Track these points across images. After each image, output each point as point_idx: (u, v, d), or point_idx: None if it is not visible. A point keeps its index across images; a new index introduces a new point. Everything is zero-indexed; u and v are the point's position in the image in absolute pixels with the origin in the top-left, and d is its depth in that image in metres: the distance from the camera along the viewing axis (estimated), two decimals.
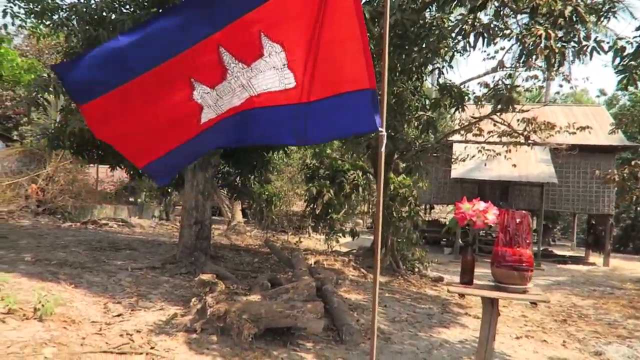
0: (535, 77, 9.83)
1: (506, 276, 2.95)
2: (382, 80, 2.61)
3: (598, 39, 5.75)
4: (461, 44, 7.33)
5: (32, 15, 8.99)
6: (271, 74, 2.53)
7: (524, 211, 3.13)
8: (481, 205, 3.07)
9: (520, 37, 5.36)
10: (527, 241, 3.02)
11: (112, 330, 4.63)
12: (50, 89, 7.51)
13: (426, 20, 6.51)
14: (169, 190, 12.79)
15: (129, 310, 5.34)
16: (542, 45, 4.92)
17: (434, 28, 6.24)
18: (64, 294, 5.47)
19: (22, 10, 9.47)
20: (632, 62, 5.95)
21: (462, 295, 3.11)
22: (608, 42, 5.99)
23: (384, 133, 2.51)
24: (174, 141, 2.65)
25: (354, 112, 2.56)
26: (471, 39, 6.18)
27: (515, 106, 8.39)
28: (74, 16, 7.67)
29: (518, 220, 3.04)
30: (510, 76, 9.42)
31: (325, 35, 2.43)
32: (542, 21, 5.34)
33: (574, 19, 5.11)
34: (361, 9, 2.41)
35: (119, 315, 5.14)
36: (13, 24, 10.00)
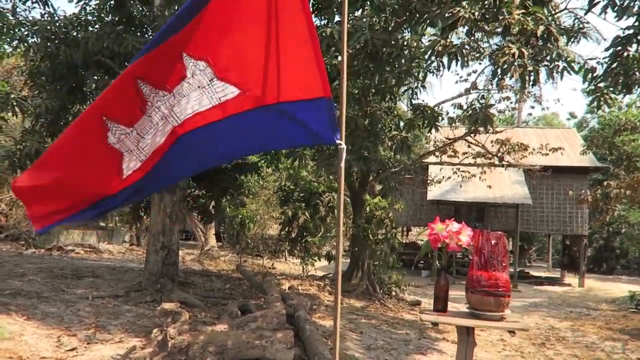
0: (508, 98, 9.90)
1: (481, 302, 2.76)
2: (341, 93, 2.43)
3: (568, 59, 5.76)
4: (434, 64, 7.31)
5: None
6: (196, 95, 2.25)
7: (499, 232, 2.96)
8: (454, 226, 2.89)
9: (493, 56, 5.33)
10: (504, 264, 2.83)
11: None
12: (9, 107, 7.19)
13: (398, 41, 6.47)
14: (141, 214, 12.38)
15: (84, 344, 4.97)
16: (516, 64, 4.87)
17: (404, 48, 6.19)
18: (13, 327, 5.07)
19: None
20: (603, 83, 5.99)
21: (435, 324, 2.90)
22: (578, 63, 6.01)
23: (343, 146, 2.32)
24: (89, 197, 2.22)
25: (308, 122, 2.35)
26: (444, 59, 6.13)
27: (490, 127, 8.40)
28: (35, 32, 7.41)
29: (493, 242, 2.86)
30: (483, 97, 9.47)
31: (272, 38, 2.23)
32: (514, 40, 5.32)
33: (546, 37, 5.10)
34: (309, 9, 2.23)
35: (72, 350, 4.76)
36: None
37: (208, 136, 2.31)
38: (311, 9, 7.14)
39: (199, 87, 2.23)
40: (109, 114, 2.14)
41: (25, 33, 7.79)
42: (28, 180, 2.18)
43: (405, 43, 6.49)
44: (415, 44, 6.80)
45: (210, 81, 2.24)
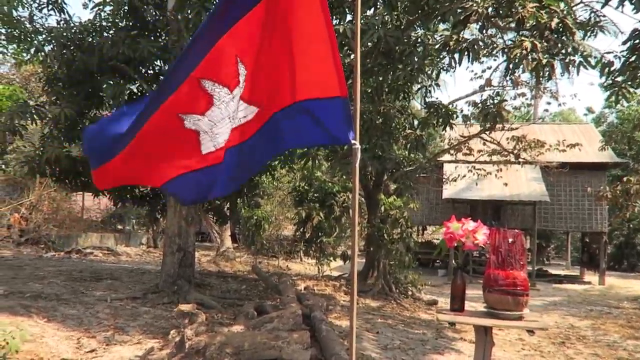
0: (523, 94, 9.77)
1: (499, 302, 2.72)
2: (355, 92, 2.42)
3: (585, 53, 5.66)
4: (446, 60, 7.24)
5: (12, 41, 8.86)
6: (244, 107, 2.45)
7: (516, 230, 2.92)
8: (470, 224, 2.86)
9: (506, 50, 5.25)
10: (521, 262, 2.79)
11: None
12: (27, 115, 7.31)
13: (410, 38, 6.42)
14: (158, 216, 12.50)
15: (104, 345, 5.02)
16: (530, 58, 4.80)
17: (417, 45, 6.14)
18: (35, 329, 5.14)
19: (2, 37, 9.35)
20: (620, 77, 5.87)
21: (452, 324, 2.87)
22: (595, 57, 5.91)
23: (358, 146, 2.31)
24: (182, 167, 2.54)
25: (324, 121, 2.37)
26: (456, 55, 6.07)
27: (504, 124, 8.29)
28: (51, 40, 7.52)
29: (510, 240, 2.82)
30: (498, 94, 9.35)
31: (292, 38, 2.27)
32: (528, 35, 5.24)
33: (561, 30, 5.01)
34: (327, 8, 2.23)
35: (92, 351, 4.82)
36: None
37: (245, 152, 2.54)
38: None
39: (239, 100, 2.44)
40: (181, 110, 2.40)
41: (42, 40, 7.93)
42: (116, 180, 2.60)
43: (418, 40, 6.44)
44: (428, 40, 6.73)
45: (240, 102, 2.43)
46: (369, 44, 6.26)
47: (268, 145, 2.56)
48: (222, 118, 2.43)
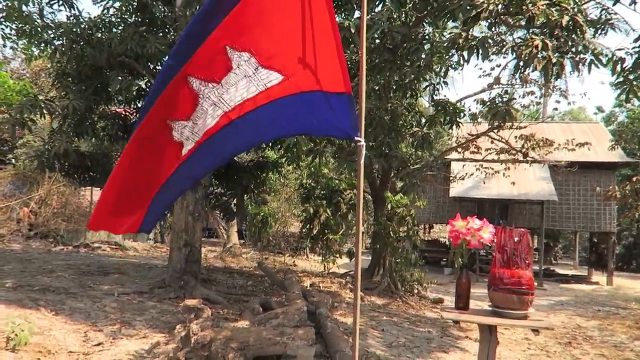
0: (532, 92, 9.69)
1: (504, 300, 2.71)
2: (360, 89, 2.42)
3: (596, 51, 5.60)
4: (455, 58, 7.20)
5: (23, 36, 8.92)
6: (244, 84, 2.38)
7: (522, 229, 2.90)
8: (476, 223, 2.85)
9: (516, 48, 5.21)
10: (527, 261, 2.78)
11: None
12: (37, 109, 7.37)
13: (418, 35, 6.39)
14: (165, 212, 12.58)
15: (110, 339, 5.07)
16: (540, 56, 4.76)
17: (424, 42, 6.11)
18: (43, 322, 5.20)
19: (13, 32, 9.42)
20: (632, 75, 5.80)
21: (457, 322, 2.87)
22: (606, 55, 5.85)
23: (363, 143, 2.31)
24: (157, 184, 2.50)
25: (329, 114, 2.38)
26: (465, 53, 6.03)
27: (513, 122, 8.23)
28: (60, 35, 7.56)
29: (516, 239, 2.81)
30: (506, 92, 9.29)
31: (304, 30, 2.28)
32: (538, 32, 5.19)
33: (571, 28, 4.96)
34: (332, 5, 2.24)
35: (98, 345, 4.87)
36: (5, 46, 9.94)
37: (255, 119, 2.46)
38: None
39: (245, 76, 2.37)
40: (169, 116, 2.36)
41: (52, 36, 7.97)
42: (105, 213, 2.49)
43: (425, 37, 6.40)
44: (437, 37, 6.69)
45: (255, 70, 2.36)
46: (377, 40, 6.23)
47: (287, 118, 2.52)
48: (202, 115, 2.40)
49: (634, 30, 6.29)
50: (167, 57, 2.37)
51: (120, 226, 2.54)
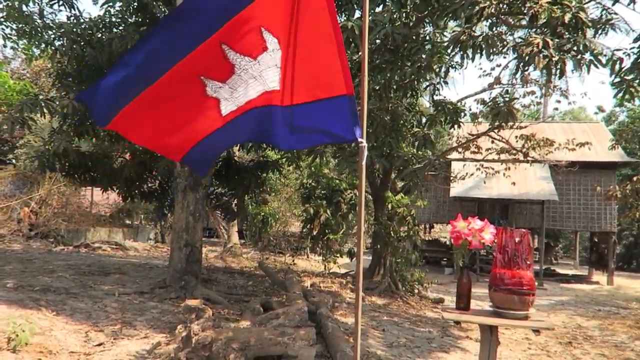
0: (533, 92, 9.68)
1: (505, 301, 2.72)
2: (362, 89, 2.42)
3: (595, 52, 5.60)
4: (457, 58, 7.19)
5: (23, 36, 8.93)
6: (272, 72, 2.43)
7: (523, 229, 2.91)
8: (477, 223, 2.85)
9: (517, 47, 5.20)
10: (528, 262, 2.79)
11: None
12: (37, 108, 7.36)
13: (419, 36, 6.39)
14: (166, 212, 12.58)
15: (111, 339, 5.07)
16: (541, 55, 4.75)
17: (425, 43, 6.11)
18: (44, 322, 5.20)
19: (13, 32, 9.43)
20: (631, 75, 5.80)
21: (457, 322, 2.87)
22: (605, 55, 5.84)
23: (365, 144, 2.31)
24: (202, 132, 2.60)
25: (331, 120, 2.38)
26: (469, 51, 6.03)
27: (514, 122, 8.23)
28: (61, 35, 7.57)
29: (517, 240, 2.82)
30: (507, 92, 9.28)
31: (300, 35, 2.28)
32: (539, 31, 5.19)
33: (573, 26, 4.96)
34: (333, 6, 2.24)
35: (99, 345, 4.87)
36: (5, 46, 9.95)
37: (267, 115, 2.55)
38: None
39: (275, 65, 2.43)
40: (204, 74, 2.42)
41: (52, 36, 7.98)
42: (144, 136, 2.60)
43: (426, 37, 6.40)
44: (437, 37, 6.69)
45: (275, 65, 2.43)
46: (377, 40, 6.23)
47: (278, 130, 2.57)
48: (242, 84, 2.47)
49: (633, 30, 6.29)
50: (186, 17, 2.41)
51: (163, 147, 2.69)
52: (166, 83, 2.42)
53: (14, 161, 19.00)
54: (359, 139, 2.35)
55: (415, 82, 7.78)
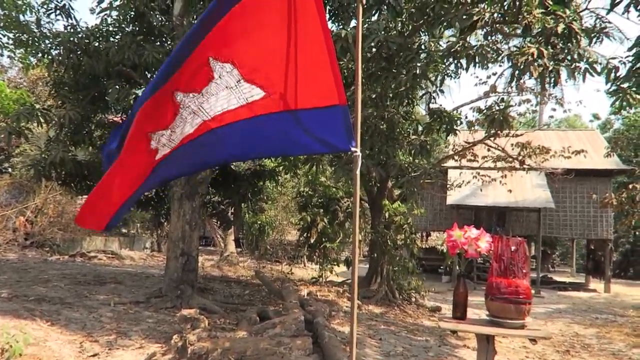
0: (528, 100, 9.74)
1: (502, 310, 2.71)
2: (356, 98, 2.42)
3: (590, 60, 5.65)
4: (452, 67, 7.24)
5: (20, 45, 8.94)
6: (225, 95, 2.41)
7: (519, 238, 2.91)
8: (473, 232, 2.85)
9: (512, 56, 5.24)
10: (524, 271, 2.78)
11: None
12: (34, 117, 7.36)
13: (414, 44, 6.43)
14: (162, 221, 12.54)
15: (106, 350, 5.03)
16: (536, 64, 4.80)
17: (420, 51, 6.15)
18: (38, 332, 5.16)
19: (10, 41, 9.44)
20: (626, 84, 5.84)
21: (454, 332, 2.86)
22: (600, 64, 5.89)
23: (359, 153, 2.32)
24: (132, 188, 2.64)
25: (322, 131, 2.38)
26: (463, 61, 6.08)
27: (509, 130, 8.27)
28: (58, 44, 7.58)
29: (513, 248, 2.82)
30: (503, 100, 9.33)
31: (291, 44, 2.28)
32: (534, 41, 5.23)
33: (567, 35, 5.01)
34: (324, 16, 2.24)
35: (94, 355, 4.83)
36: (2, 55, 9.95)
37: (236, 132, 2.50)
38: (327, 15, 7.16)
39: (226, 87, 2.40)
40: (151, 129, 2.46)
41: (49, 45, 7.99)
42: (88, 212, 2.70)
43: (422, 46, 6.44)
44: (432, 46, 6.72)
45: (237, 82, 2.39)
46: (374, 49, 6.26)
47: (266, 137, 2.56)
48: (180, 122, 2.48)
49: (628, 39, 6.35)
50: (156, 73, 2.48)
51: (95, 223, 2.73)
52: (125, 147, 2.48)
53: (10, 170, 18.93)
54: (353, 149, 2.35)
55: (411, 90, 7.81)
